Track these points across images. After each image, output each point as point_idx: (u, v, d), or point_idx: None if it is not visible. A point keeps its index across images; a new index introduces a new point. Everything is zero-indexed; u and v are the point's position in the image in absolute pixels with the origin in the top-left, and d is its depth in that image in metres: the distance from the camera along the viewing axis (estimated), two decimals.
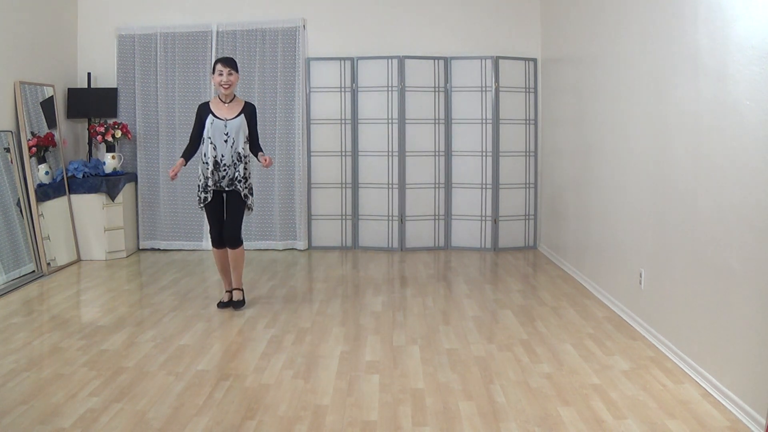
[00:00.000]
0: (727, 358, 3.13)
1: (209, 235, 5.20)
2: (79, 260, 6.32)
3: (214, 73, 4.65)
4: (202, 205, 4.71)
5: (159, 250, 6.88)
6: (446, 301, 4.97)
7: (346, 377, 3.49)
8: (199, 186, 4.71)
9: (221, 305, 4.81)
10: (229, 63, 4.65)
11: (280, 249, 6.87)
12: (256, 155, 4.76)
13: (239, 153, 4.66)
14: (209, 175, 4.63)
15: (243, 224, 4.85)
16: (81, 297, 5.14)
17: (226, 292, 4.89)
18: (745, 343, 2.97)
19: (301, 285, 5.50)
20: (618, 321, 4.39)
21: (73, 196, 6.27)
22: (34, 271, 5.66)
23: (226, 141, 4.64)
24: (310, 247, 6.97)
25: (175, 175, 4.65)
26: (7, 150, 5.66)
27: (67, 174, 6.30)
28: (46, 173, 6.03)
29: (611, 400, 3.17)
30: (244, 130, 4.68)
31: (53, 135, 6.18)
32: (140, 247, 6.90)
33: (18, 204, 5.67)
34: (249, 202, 4.72)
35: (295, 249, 6.91)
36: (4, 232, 5.46)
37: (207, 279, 5.71)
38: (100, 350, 3.89)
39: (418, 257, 6.56)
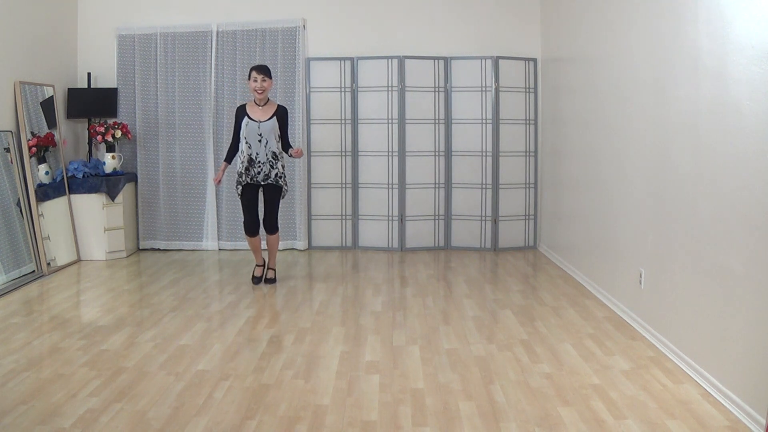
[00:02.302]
0: (727, 358, 3.13)
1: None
2: (79, 260, 6.32)
3: (249, 79, 5.17)
4: (238, 194, 5.29)
5: (159, 250, 6.88)
6: (446, 301, 4.97)
7: (346, 377, 3.49)
8: (236, 180, 5.25)
9: (255, 280, 5.47)
10: (263, 70, 5.16)
11: (280, 249, 6.86)
12: (286, 151, 5.28)
13: (273, 152, 5.19)
14: (244, 171, 5.17)
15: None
16: (81, 297, 5.14)
17: (257, 266, 5.51)
18: (745, 343, 2.97)
19: (301, 285, 5.50)
20: (618, 321, 4.39)
21: (73, 196, 6.27)
22: (34, 271, 5.66)
23: (260, 141, 5.16)
24: (310, 247, 6.97)
25: (219, 180, 5.32)
26: (7, 150, 5.66)
27: (67, 174, 6.30)
28: (46, 173, 6.03)
29: (611, 400, 3.17)
30: (276, 131, 5.20)
31: (53, 135, 6.18)
32: (140, 247, 6.90)
33: (18, 204, 5.67)
34: (285, 188, 5.29)
35: (295, 249, 6.91)
36: (4, 232, 5.46)
37: (207, 279, 5.71)
38: (100, 350, 3.89)
39: (418, 257, 6.56)
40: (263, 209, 5.33)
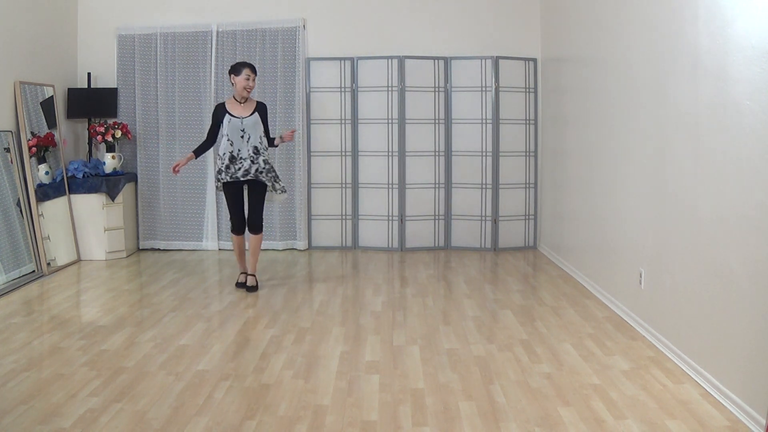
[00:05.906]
0: (727, 358, 3.13)
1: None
2: (79, 260, 6.32)
3: (239, 75, 5.12)
4: (220, 191, 5.32)
5: (159, 250, 6.88)
6: (446, 301, 4.97)
7: (346, 377, 3.49)
8: (215, 178, 5.26)
9: (238, 285, 5.37)
10: (255, 70, 5.23)
11: (280, 249, 6.87)
12: (272, 143, 5.33)
13: (256, 147, 5.16)
14: (224, 169, 5.13)
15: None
16: (81, 297, 5.14)
17: (241, 273, 5.42)
18: (745, 343, 2.98)
19: (301, 285, 5.50)
20: (618, 321, 4.39)
21: (73, 196, 6.27)
22: (34, 271, 5.66)
23: (242, 137, 5.13)
24: (310, 247, 6.97)
25: (178, 168, 5.18)
26: (7, 150, 5.66)
27: (67, 174, 6.30)
28: (46, 173, 6.03)
29: (611, 400, 3.17)
30: (259, 126, 5.21)
31: (53, 135, 6.18)
32: (140, 247, 6.90)
33: (18, 204, 5.67)
34: (278, 186, 5.27)
35: (295, 249, 6.91)
36: (4, 232, 5.46)
37: (207, 279, 5.71)
38: (100, 350, 3.89)
39: (418, 257, 6.56)
40: (247, 207, 5.27)
